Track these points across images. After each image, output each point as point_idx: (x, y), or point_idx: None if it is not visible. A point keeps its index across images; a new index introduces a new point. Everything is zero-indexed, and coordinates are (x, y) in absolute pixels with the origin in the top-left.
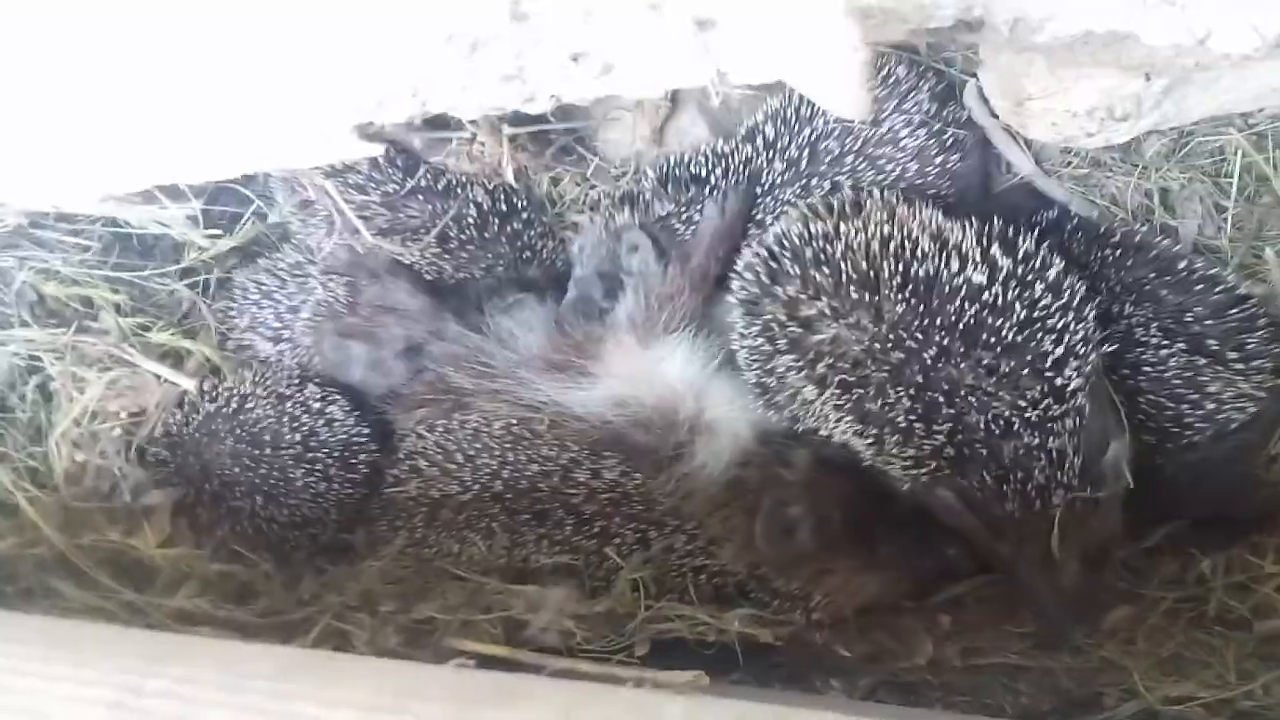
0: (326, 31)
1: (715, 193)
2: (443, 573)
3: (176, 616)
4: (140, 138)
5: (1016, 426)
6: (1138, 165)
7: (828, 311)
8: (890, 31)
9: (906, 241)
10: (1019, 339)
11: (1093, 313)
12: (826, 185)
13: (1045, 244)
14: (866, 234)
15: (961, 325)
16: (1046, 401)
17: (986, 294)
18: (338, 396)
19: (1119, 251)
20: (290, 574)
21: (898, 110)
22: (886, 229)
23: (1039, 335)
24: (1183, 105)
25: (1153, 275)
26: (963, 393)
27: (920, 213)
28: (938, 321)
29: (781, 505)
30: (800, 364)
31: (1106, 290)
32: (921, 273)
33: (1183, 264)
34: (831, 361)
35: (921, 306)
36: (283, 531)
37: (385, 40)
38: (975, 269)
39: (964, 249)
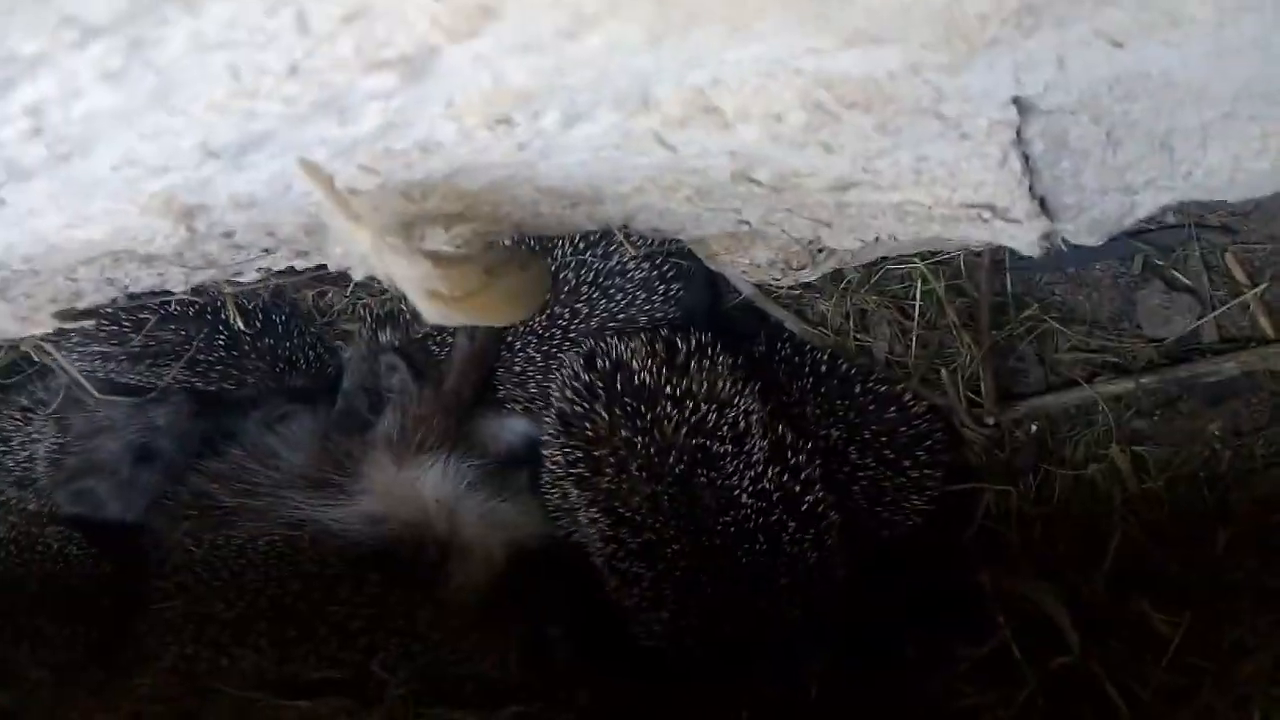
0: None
1: None
2: (213, 689)
3: None
4: None
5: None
6: (837, 289)
7: (610, 467)
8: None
9: (708, 442)
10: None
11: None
12: (567, 314)
13: (808, 449)
14: (682, 413)
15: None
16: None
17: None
18: (76, 535)
19: (811, 380)
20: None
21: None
22: (703, 410)
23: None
24: (859, 253)
25: (843, 400)
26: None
27: (736, 398)
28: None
29: (538, 629)
30: (582, 500)
31: (813, 416)
32: (702, 479)
33: (869, 384)
34: (596, 514)
35: (685, 520)
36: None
37: (59, 254)
38: (748, 487)
39: (751, 457)
